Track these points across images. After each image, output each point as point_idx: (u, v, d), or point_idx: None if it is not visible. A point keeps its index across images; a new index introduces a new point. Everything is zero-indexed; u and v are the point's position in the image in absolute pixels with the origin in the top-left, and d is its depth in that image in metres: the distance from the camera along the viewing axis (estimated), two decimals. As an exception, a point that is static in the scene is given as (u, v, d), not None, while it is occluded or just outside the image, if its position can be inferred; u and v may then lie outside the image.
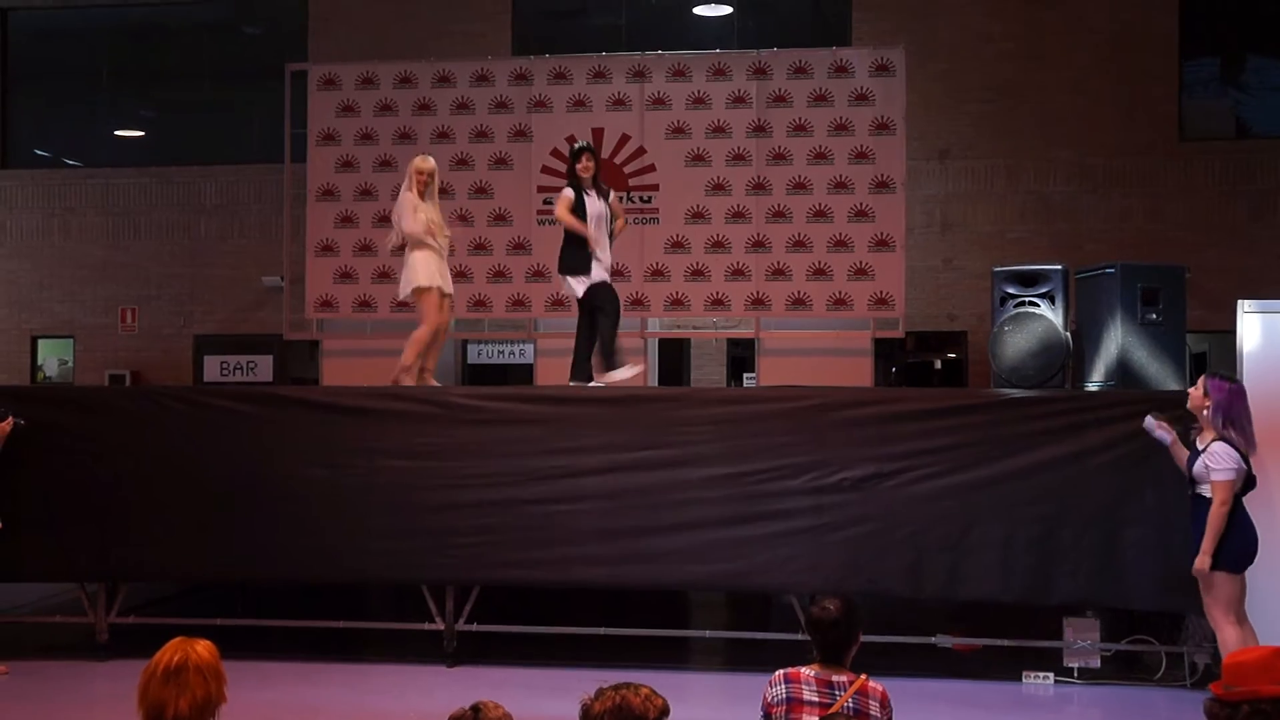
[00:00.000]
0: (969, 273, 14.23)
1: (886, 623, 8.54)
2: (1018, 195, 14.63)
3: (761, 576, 8.38)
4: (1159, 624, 8.40)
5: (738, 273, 11.76)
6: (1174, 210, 14.33)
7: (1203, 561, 6.97)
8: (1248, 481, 7.06)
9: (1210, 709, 3.35)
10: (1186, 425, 7.43)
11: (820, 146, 11.68)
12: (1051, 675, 8.27)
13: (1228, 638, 6.95)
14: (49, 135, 17.36)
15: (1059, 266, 9.55)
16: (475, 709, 3.37)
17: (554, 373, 11.32)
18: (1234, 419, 7.03)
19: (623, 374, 9.33)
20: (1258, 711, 3.24)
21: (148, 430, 8.89)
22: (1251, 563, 7.09)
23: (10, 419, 8.52)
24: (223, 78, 16.59)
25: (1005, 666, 8.36)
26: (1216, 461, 6.97)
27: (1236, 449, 6.98)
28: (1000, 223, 14.61)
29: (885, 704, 4.43)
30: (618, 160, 11.86)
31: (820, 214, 11.64)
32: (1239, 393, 7.12)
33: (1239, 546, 7.01)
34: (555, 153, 11.86)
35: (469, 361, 14.79)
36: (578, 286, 9.44)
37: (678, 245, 11.85)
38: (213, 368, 12.90)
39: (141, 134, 17.18)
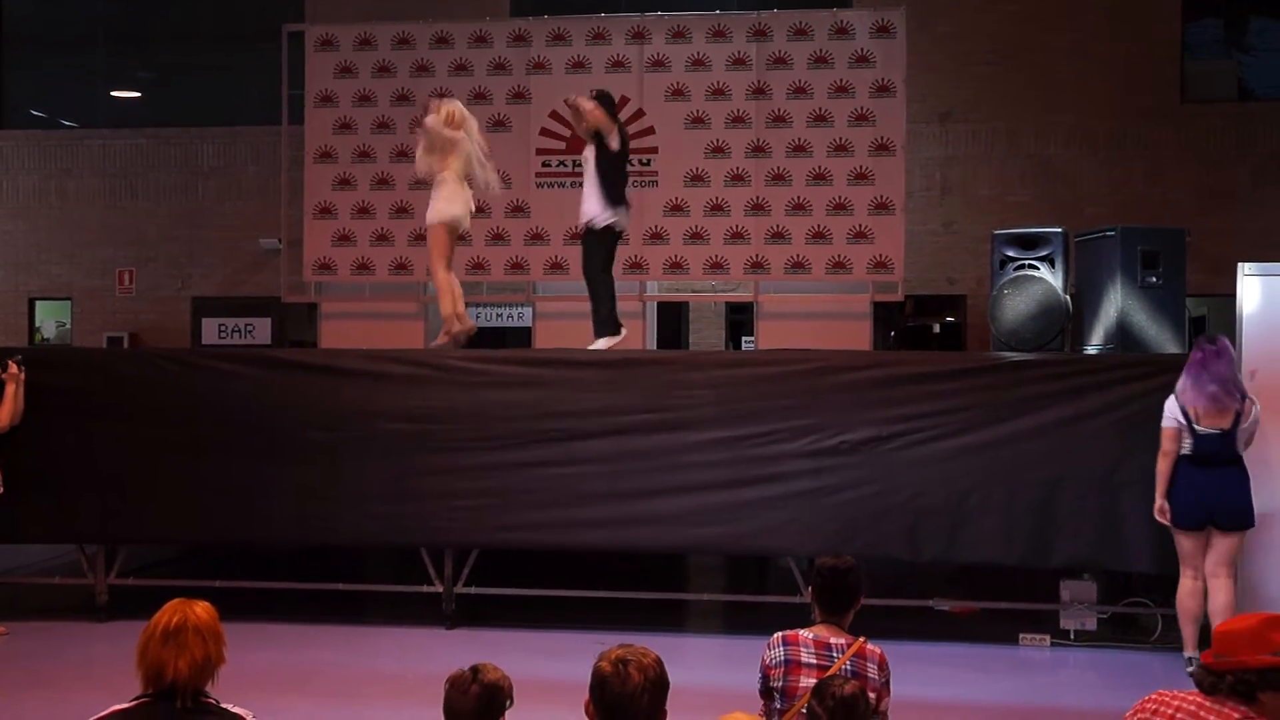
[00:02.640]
0: (969, 236, 14.20)
1: (884, 586, 8.55)
2: (1018, 158, 14.58)
3: (760, 539, 8.37)
4: (1155, 586, 8.42)
5: (737, 236, 11.72)
6: (1175, 173, 14.28)
7: (1156, 506, 7.37)
8: (1198, 442, 7.22)
9: (1198, 677, 3.36)
10: None
11: (820, 109, 11.62)
12: (1048, 638, 8.30)
13: (1179, 588, 7.38)
14: (46, 96, 17.26)
15: (1059, 230, 9.54)
16: (474, 670, 3.39)
17: (552, 335, 11.31)
18: (1194, 379, 7.25)
19: (602, 343, 9.21)
20: (1242, 681, 3.25)
21: (146, 392, 8.85)
22: (1196, 527, 7.27)
23: (10, 362, 8.55)
24: (220, 39, 16.48)
25: (1002, 629, 8.39)
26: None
27: (1179, 403, 7.27)
28: (1000, 186, 14.56)
29: (883, 666, 4.44)
30: (617, 122, 11.78)
31: (820, 177, 11.60)
32: (1209, 356, 7.26)
33: (1177, 504, 7.29)
34: (554, 115, 11.79)
35: (467, 325, 14.75)
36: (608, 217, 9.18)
37: (677, 208, 11.80)
38: (211, 330, 12.89)
39: (138, 95, 17.09)
